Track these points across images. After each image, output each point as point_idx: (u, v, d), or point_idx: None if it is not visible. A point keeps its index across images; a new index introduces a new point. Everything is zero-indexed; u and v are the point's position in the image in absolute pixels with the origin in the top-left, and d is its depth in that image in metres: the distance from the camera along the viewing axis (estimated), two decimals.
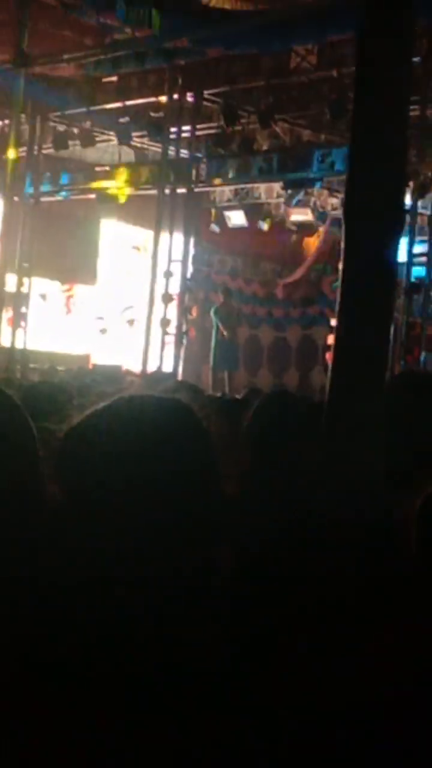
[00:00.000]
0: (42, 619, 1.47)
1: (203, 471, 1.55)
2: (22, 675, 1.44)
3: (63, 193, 19.46)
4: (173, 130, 17.14)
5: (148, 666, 1.43)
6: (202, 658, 1.45)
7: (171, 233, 17.54)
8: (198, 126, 17.46)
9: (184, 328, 17.44)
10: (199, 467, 1.54)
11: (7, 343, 17.21)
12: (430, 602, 1.89)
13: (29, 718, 1.42)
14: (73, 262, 20.24)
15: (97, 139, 17.96)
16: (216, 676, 1.46)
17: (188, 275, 18.15)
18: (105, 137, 18.04)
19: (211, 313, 18.94)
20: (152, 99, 16.85)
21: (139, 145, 18.37)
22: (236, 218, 19.24)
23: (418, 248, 15.29)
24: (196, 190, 18.36)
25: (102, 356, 19.66)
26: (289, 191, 18.06)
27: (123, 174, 18.41)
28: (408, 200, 12.87)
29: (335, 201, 18.18)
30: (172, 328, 17.20)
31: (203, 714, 1.43)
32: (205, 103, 16.94)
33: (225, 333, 18.51)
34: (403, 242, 13.69)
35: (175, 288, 17.42)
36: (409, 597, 1.91)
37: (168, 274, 17.30)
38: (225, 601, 1.53)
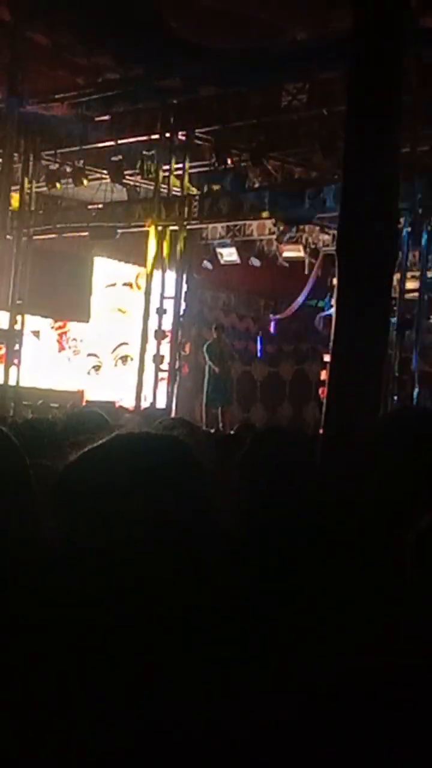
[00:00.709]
0: (36, 657, 1.47)
1: (201, 509, 1.55)
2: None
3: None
4: (165, 167, 17.25)
5: (143, 703, 1.43)
6: (198, 703, 1.45)
7: (163, 270, 17.62)
8: (190, 163, 17.56)
9: (177, 364, 17.47)
10: (197, 506, 1.54)
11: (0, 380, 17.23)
12: (425, 637, 1.89)
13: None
14: (66, 299, 20.30)
15: (90, 177, 18.05)
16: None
17: (181, 312, 18.19)
18: (97, 175, 18.13)
19: (204, 349, 18.98)
20: (144, 137, 16.96)
21: (131, 182, 18.47)
22: (228, 255, 19.33)
23: (410, 284, 15.35)
24: (189, 227, 18.45)
25: (95, 393, 19.67)
26: (281, 228, 18.15)
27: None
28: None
29: (327, 237, 18.26)
30: (165, 365, 17.23)
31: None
32: (196, 141, 17.06)
33: (216, 369, 18.54)
34: (396, 278, 13.74)
35: (168, 324, 17.47)
36: (406, 631, 1.91)
37: (161, 311, 17.36)
38: (223, 640, 1.52)
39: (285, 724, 1.53)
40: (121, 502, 1.50)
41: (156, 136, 16.82)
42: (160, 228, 17.55)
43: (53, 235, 19.59)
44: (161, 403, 17.21)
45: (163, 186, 17.49)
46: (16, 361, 17.33)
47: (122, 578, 1.48)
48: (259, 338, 22.60)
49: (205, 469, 1.58)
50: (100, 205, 19.32)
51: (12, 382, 17.21)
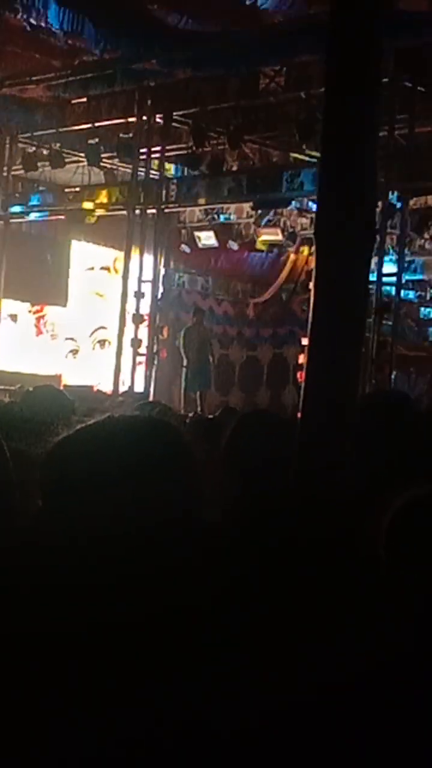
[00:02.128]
0: (20, 639, 1.47)
1: (188, 492, 1.55)
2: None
3: (36, 215, 19.46)
4: (143, 150, 17.20)
5: (129, 683, 1.43)
6: (182, 678, 1.45)
7: (141, 254, 17.58)
8: (167, 147, 17.52)
9: (155, 348, 17.45)
10: (184, 488, 1.54)
11: None
12: (397, 615, 1.90)
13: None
14: (44, 283, 20.22)
15: (67, 160, 17.97)
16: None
17: (159, 295, 18.17)
18: (75, 158, 18.06)
19: (181, 334, 18.95)
20: (121, 120, 16.90)
21: (108, 166, 18.40)
22: (206, 238, 19.30)
23: (388, 268, 15.39)
24: (166, 210, 18.41)
25: (73, 377, 19.63)
26: (259, 212, 18.14)
27: (99, 196, 18.45)
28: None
29: (305, 221, 18.26)
30: (143, 349, 17.21)
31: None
32: (174, 124, 17.01)
33: (185, 358, 18.48)
34: (373, 262, 13.77)
35: (146, 308, 17.44)
36: (377, 609, 1.92)
37: (139, 295, 17.33)
38: (207, 625, 1.52)
39: (275, 718, 1.54)
40: (107, 484, 1.49)
41: (133, 119, 16.76)
42: (137, 211, 17.50)
43: (30, 219, 19.53)
44: (139, 387, 17.20)
45: (141, 169, 17.44)
46: None
47: (106, 561, 1.47)
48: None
49: (192, 453, 1.58)
50: (78, 188, 19.25)
51: None
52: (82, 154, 17.57)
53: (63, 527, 1.50)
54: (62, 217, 19.05)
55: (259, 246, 19.59)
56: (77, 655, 1.44)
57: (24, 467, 1.76)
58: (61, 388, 17.11)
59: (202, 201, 18.27)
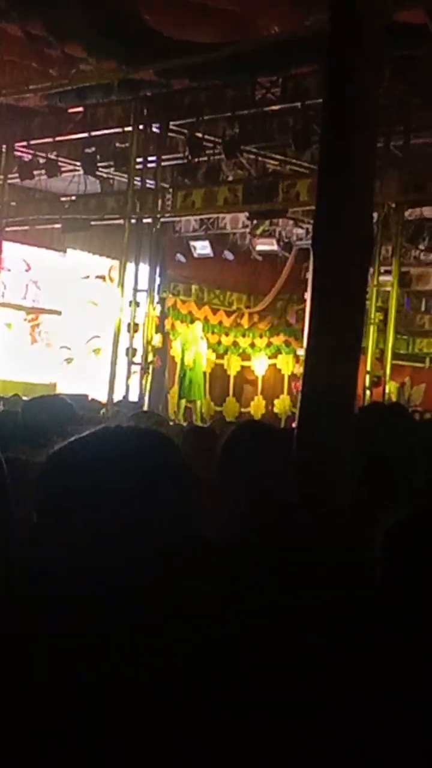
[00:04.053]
0: (13, 647, 1.46)
1: (184, 504, 1.53)
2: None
3: None
4: (139, 160, 17.22)
5: (120, 695, 1.42)
6: (175, 687, 1.44)
7: (137, 263, 17.59)
8: (163, 156, 17.54)
9: (150, 357, 17.45)
10: (180, 500, 1.53)
11: None
12: (393, 628, 1.90)
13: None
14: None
15: (63, 169, 17.98)
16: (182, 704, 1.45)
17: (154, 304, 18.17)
18: (71, 167, 18.07)
19: (178, 343, 18.96)
20: (118, 129, 16.92)
21: (104, 175, 18.41)
22: (202, 248, 19.31)
23: (383, 278, 15.42)
24: (162, 220, 18.42)
25: (68, 385, 19.61)
26: (255, 221, 18.16)
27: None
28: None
29: (300, 231, 18.28)
30: (138, 358, 17.20)
31: None
32: (170, 133, 17.03)
33: (180, 365, 18.51)
34: (369, 272, 13.78)
35: (140, 317, 17.44)
36: (374, 623, 1.92)
37: (134, 304, 17.33)
38: (206, 635, 1.52)
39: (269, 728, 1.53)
40: (103, 495, 1.48)
41: (129, 129, 16.78)
42: (133, 221, 17.51)
43: (26, 227, 19.53)
44: (134, 396, 17.19)
45: (137, 178, 17.45)
46: None
47: (103, 572, 1.46)
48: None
49: (189, 466, 1.57)
50: (73, 197, 19.25)
51: None
52: (78, 163, 17.57)
53: (58, 541, 1.49)
54: (57, 225, 19.05)
55: (254, 256, 19.61)
56: (72, 673, 1.42)
57: (24, 478, 1.75)
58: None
59: (197, 211, 18.30)
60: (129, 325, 17.08)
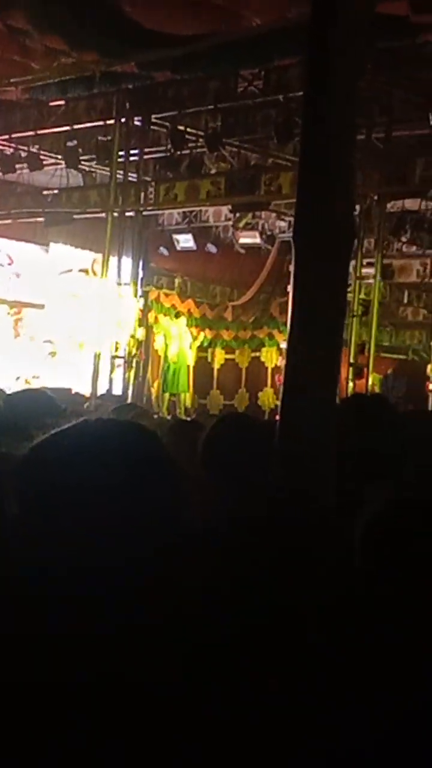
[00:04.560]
0: None
1: (166, 495, 1.53)
2: None
3: None
4: (121, 153, 17.18)
5: (104, 689, 1.42)
6: (154, 679, 1.44)
7: (120, 256, 17.56)
8: (146, 149, 17.51)
9: (133, 351, 17.43)
10: (162, 492, 1.52)
11: None
12: (374, 616, 1.90)
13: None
14: None
15: (45, 162, 17.92)
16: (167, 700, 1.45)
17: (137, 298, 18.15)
18: (53, 161, 18.02)
19: (161, 336, 18.94)
20: (100, 123, 16.87)
21: (87, 168, 18.36)
22: (185, 241, 19.29)
23: (366, 270, 15.43)
24: (145, 213, 18.39)
25: (52, 379, 19.56)
26: (237, 214, 18.15)
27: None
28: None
29: (283, 224, 18.28)
30: (121, 351, 17.18)
31: None
32: (152, 126, 16.99)
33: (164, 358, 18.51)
34: (351, 264, 13.81)
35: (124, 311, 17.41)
36: (355, 611, 1.92)
37: (117, 297, 17.31)
38: (189, 625, 1.52)
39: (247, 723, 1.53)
40: (85, 487, 1.47)
41: (111, 122, 16.74)
42: (116, 214, 17.48)
43: (8, 221, 19.47)
44: (118, 390, 17.17)
45: (119, 172, 17.41)
46: None
47: (86, 563, 1.46)
48: None
49: (172, 458, 1.56)
50: (56, 191, 19.20)
51: None
52: (61, 157, 17.52)
53: (39, 534, 1.48)
54: (40, 219, 18.99)
55: (237, 249, 19.60)
56: (56, 668, 1.42)
57: (5, 471, 1.74)
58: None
59: (180, 204, 18.28)
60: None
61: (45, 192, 19.39)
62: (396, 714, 1.74)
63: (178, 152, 16.50)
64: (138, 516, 1.48)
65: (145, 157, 17.72)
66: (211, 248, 20.02)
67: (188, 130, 16.25)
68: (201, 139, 16.18)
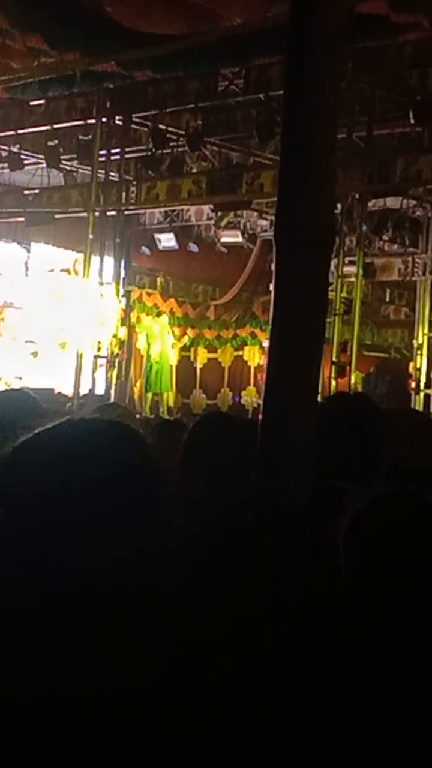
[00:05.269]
0: None
1: (149, 495, 1.53)
2: None
3: None
4: (102, 152, 17.16)
5: (83, 687, 1.42)
6: (142, 678, 1.44)
7: (101, 256, 17.55)
8: (127, 149, 17.50)
9: (115, 350, 17.42)
10: (144, 492, 1.52)
11: None
12: (357, 616, 1.91)
13: None
14: None
15: (26, 162, 17.89)
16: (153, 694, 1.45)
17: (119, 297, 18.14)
18: (34, 160, 17.98)
19: (143, 336, 18.95)
20: (81, 122, 16.85)
21: (68, 167, 18.34)
22: (167, 240, 19.29)
23: (348, 269, 15.46)
24: (126, 212, 18.38)
25: (34, 379, 19.53)
26: (219, 213, 18.16)
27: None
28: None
29: (265, 223, 18.29)
30: (103, 351, 17.17)
31: None
32: (133, 126, 16.98)
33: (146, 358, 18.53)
34: (333, 263, 13.85)
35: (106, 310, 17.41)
36: (338, 612, 1.93)
37: (100, 297, 17.30)
38: (168, 625, 1.51)
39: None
40: (65, 488, 1.46)
41: (92, 121, 16.72)
42: (97, 213, 17.46)
43: None
44: (100, 390, 17.16)
45: (100, 171, 17.40)
46: None
47: (66, 563, 1.45)
48: None
49: (154, 457, 1.56)
50: (37, 190, 19.17)
51: None
52: (42, 156, 17.49)
53: (21, 536, 1.48)
54: (21, 219, 18.95)
55: (219, 248, 19.61)
56: (37, 672, 1.41)
57: None
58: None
59: (161, 203, 18.28)
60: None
61: (26, 192, 19.35)
62: (384, 709, 1.75)
63: (160, 151, 16.50)
64: (120, 516, 1.48)
65: (127, 156, 17.71)
66: (193, 247, 20.02)
67: (169, 129, 16.26)
68: (182, 139, 16.19)
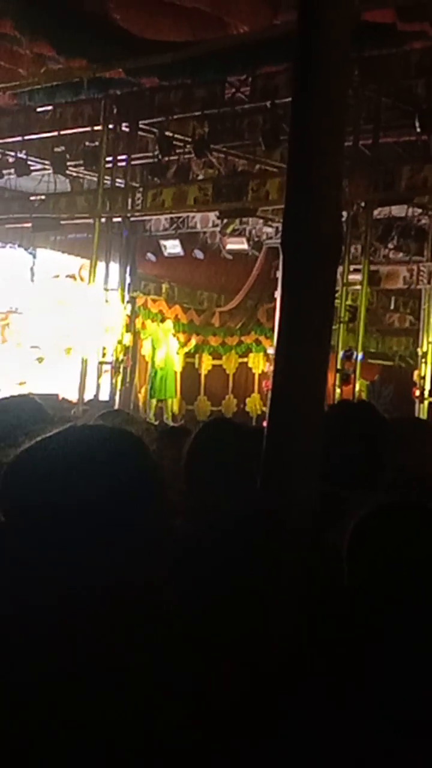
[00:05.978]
0: None
1: (151, 502, 1.53)
2: None
3: None
4: (109, 159, 17.18)
5: (85, 694, 1.42)
6: (140, 683, 1.44)
7: (107, 262, 17.56)
8: (133, 155, 17.52)
9: (120, 356, 17.42)
10: (146, 499, 1.52)
11: None
12: (361, 622, 1.90)
13: None
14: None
15: (32, 168, 17.91)
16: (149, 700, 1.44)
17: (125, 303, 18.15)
18: (40, 166, 18.01)
19: (148, 342, 18.94)
20: (87, 128, 16.87)
21: (74, 174, 18.36)
22: (172, 247, 19.29)
23: (353, 276, 15.47)
24: (132, 219, 18.39)
25: (39, 384, 19.53)
26: (225, 220, 18.16)
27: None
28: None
29: (270, 230, 18.30)
30: (108, 357, 17.17)
31: None
32: (140, 132, 17.01)
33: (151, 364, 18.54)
34: (339, 270, 13.85)
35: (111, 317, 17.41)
36: (342, 617, 1.92)
37: (105, 303, 17.31)
38: (169, 629, 1.51)
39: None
40: (69, 493, 1.47)
41: (99, 128, 16.74)
42: (103, 220, 17.48)
43: None
44: (105, 396, 17.16)
45: (107, 178, 17.42)
46: None
47: (69, 569, 1.45)
48: None
49: (156, 463, 1.56)
50: (43, 197, 19.19)
51: None
52: (48, 162, 17.52)
53: (24, 541, 1.48)
54: (27, 225, 18.97)
55: (224, 255, 19.62)
56: (40, 678, 1.41)
57: None
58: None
59: (167, 210, 18.29)
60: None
61: (32, 197, 19.37)
62: (396, 722, 1.74)
63: (166, 158, 16.52)
64: (122, 523, 1.48)
65: (133, 163, 17.73)
66: (199, 254, 20.02)
67: (176, 136, 16.27)
68: (188, 146, 16.20)
